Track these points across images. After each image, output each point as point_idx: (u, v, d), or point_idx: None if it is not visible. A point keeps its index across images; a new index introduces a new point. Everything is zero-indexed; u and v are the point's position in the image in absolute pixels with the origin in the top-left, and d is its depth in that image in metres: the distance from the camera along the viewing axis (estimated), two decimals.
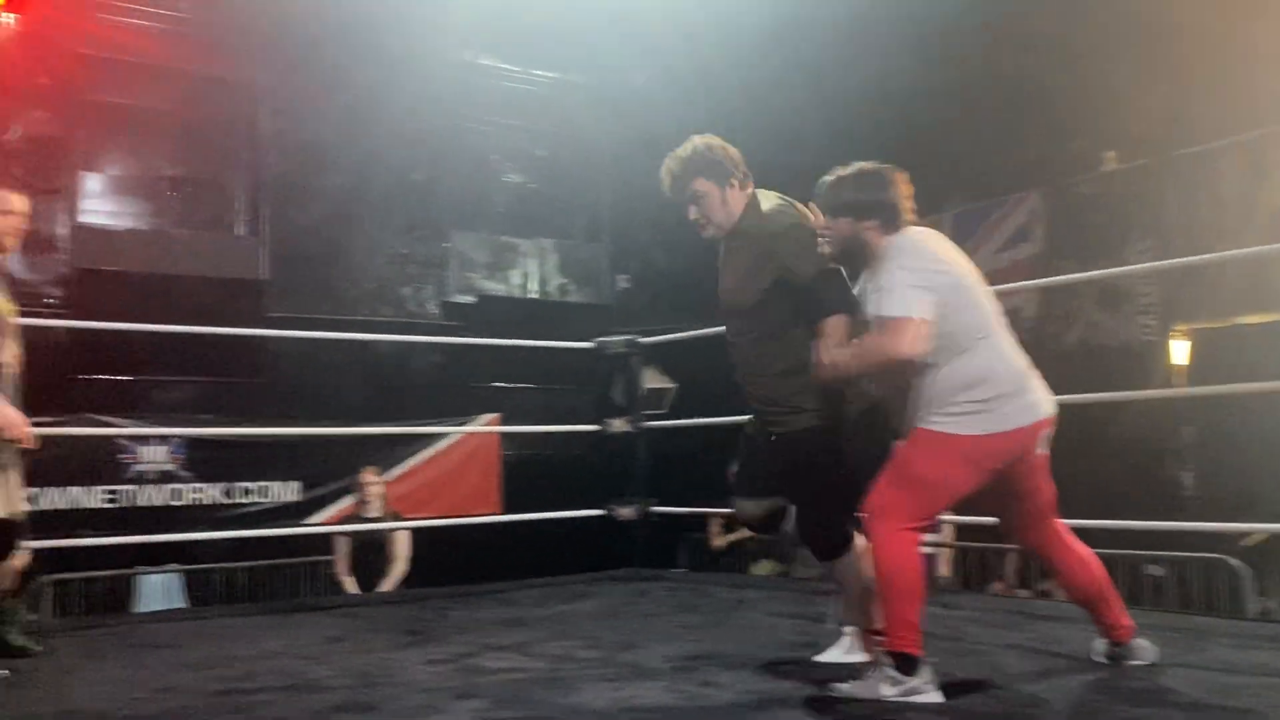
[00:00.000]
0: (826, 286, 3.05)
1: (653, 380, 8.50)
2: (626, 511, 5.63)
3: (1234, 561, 6.12)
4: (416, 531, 6.71)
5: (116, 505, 7.55)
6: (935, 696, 2.70)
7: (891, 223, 2.91)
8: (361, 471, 6.86)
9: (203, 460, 7.81)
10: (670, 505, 5.77)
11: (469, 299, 9.45)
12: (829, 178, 3.00)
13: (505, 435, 9.06)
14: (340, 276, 8.87)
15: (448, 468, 8.76)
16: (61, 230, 7.81)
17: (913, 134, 7.27)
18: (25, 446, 3.72)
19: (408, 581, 6.64)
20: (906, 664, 2.72)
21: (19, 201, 3.77)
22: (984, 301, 2.92)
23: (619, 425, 5.70)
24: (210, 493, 7.88)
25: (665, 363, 9.16)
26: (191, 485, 7.82)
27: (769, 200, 3.24)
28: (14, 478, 3.79)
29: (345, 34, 8.43)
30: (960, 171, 8.53)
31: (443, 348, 8.81)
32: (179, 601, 7.46)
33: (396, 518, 6.94)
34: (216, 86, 8.35)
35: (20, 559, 4.25)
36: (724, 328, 3.31)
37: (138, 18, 8.07)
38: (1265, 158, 7.28)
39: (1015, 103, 8.06)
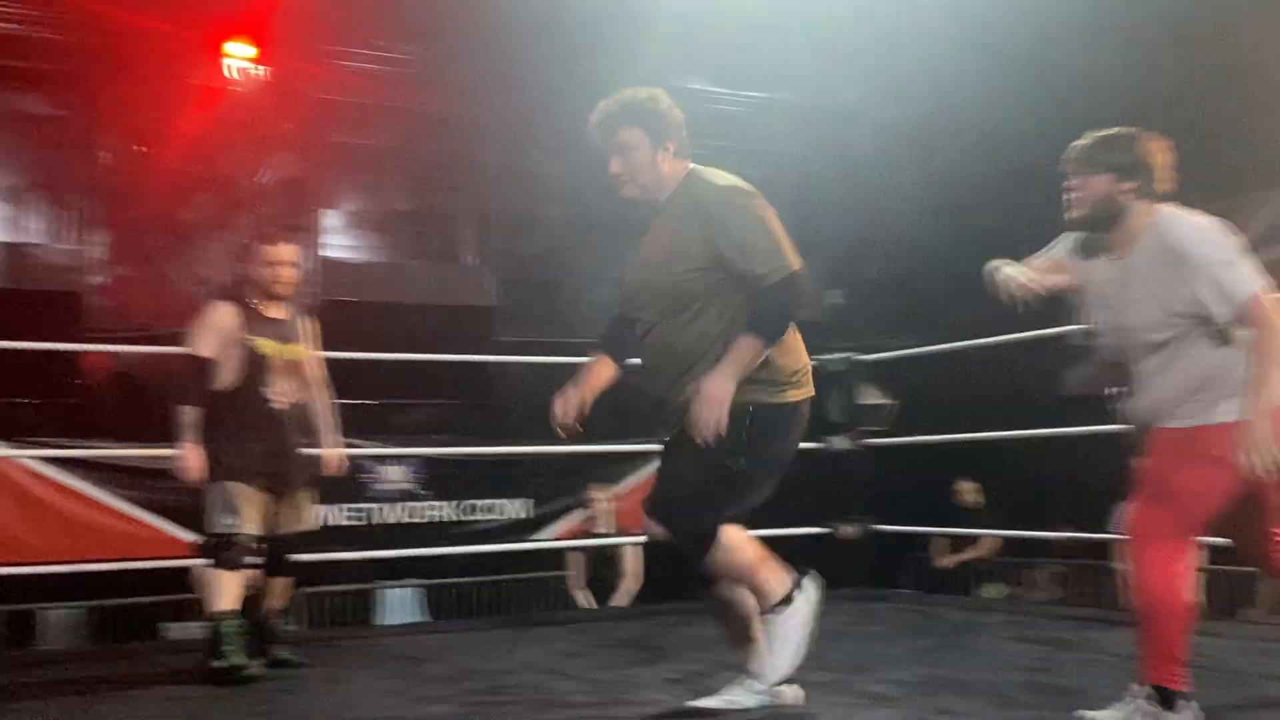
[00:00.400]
0: (785, 289, 2.82)
1: (871, 396, 8.39)
2: (849, 530, 5.59)
3: None
4: (644, 547, 6.84)
5: (360, 523, 8.01)
6: None
7: (1150, 190, 2.72)
8: (591, 488, 7.06)
9: (438, 479, 8.19)
10: (893, 524, 5.69)
11: None
12: (1083, 140, 2.78)
13: None
14: (563, 301, 9.15)
15: None
16: (308, 264, 8.37)
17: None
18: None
19: (640, 597, 6.80)
20: (1167, 699, 2.57)
21: (287, 251, 4.10)
22: None
23: (840, 443, 5.67)
24: (445, 510, 8.26)
25: (884, 379, 9.01)
26: (428, 503, 8.22)
27: (723, 177, 2.97)
28: (308, 498, 4.16)
29: (559, 66, 8.71)
30: (1200, 169, 8.06)
31: None
32: (418, 615, 7.85)
33: (625, 533, 7.11)
34: (444, 124, 8.78)
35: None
36: (636, 309, 2.94)
37: (371, 63, 8.57)
38: None
39: (1259, 94, 7.57)
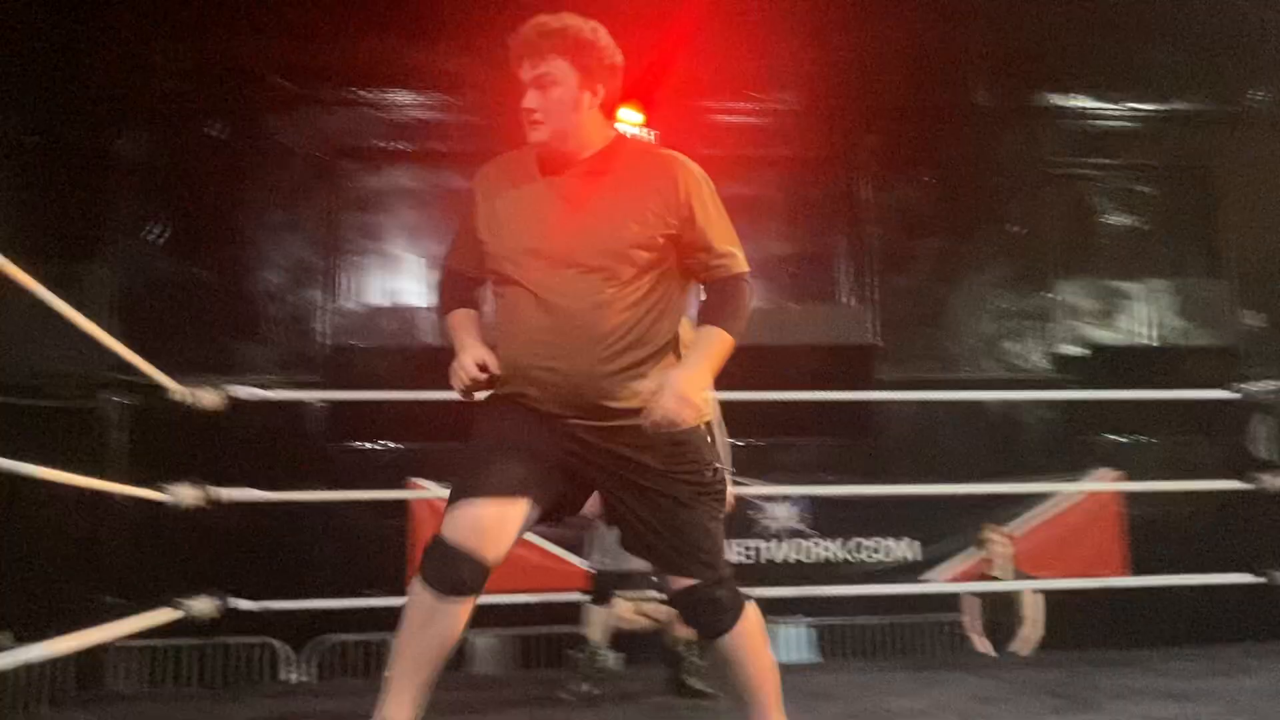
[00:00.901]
0: (748, 285, 2.54)
1: None
2: None
3: None
4: (1046, 593, 6.57)
5: (751, 561, 8.21)
6: None
7: None
8: (986, 529, 6.86)
9: (825, 518, 8.25)
10: None
11: (1077, 349, 9.12)
12: None
13: (1128, 494, 8.54)
14: (945, 336, 8.99)
15: (1067, 526, 8.43)
16: (690, 312, 8.75)
17: None
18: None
19: (1044, 644, 6.50)
20: None
21: None
22: None
23: (1274, 481, 5.16)
24: (833, 549, 8.30)
25: None
26: (816, 542, 8.29)
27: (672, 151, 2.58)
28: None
29: (928, 97, 8.64)
30: None
31: (1053, 402, 8.56)
32: (808, 653, 7.91)
33: (1022, 578, 6.83)
34: (817, 166, 8.92)
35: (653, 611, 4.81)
36: (524, 275, 2.42)
37: (743, 115, 8.89)
38: None
39: None
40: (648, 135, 8.58)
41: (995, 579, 6.68)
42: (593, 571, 4.34)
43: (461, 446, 2.41)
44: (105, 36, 8.07)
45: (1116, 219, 9.42)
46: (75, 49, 7.99)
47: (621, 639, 6.22)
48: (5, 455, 2.50)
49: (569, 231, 2.39)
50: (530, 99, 2.40)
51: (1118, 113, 9.25)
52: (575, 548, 7.11)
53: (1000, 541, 6.75)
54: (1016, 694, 4.07)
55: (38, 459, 2.79)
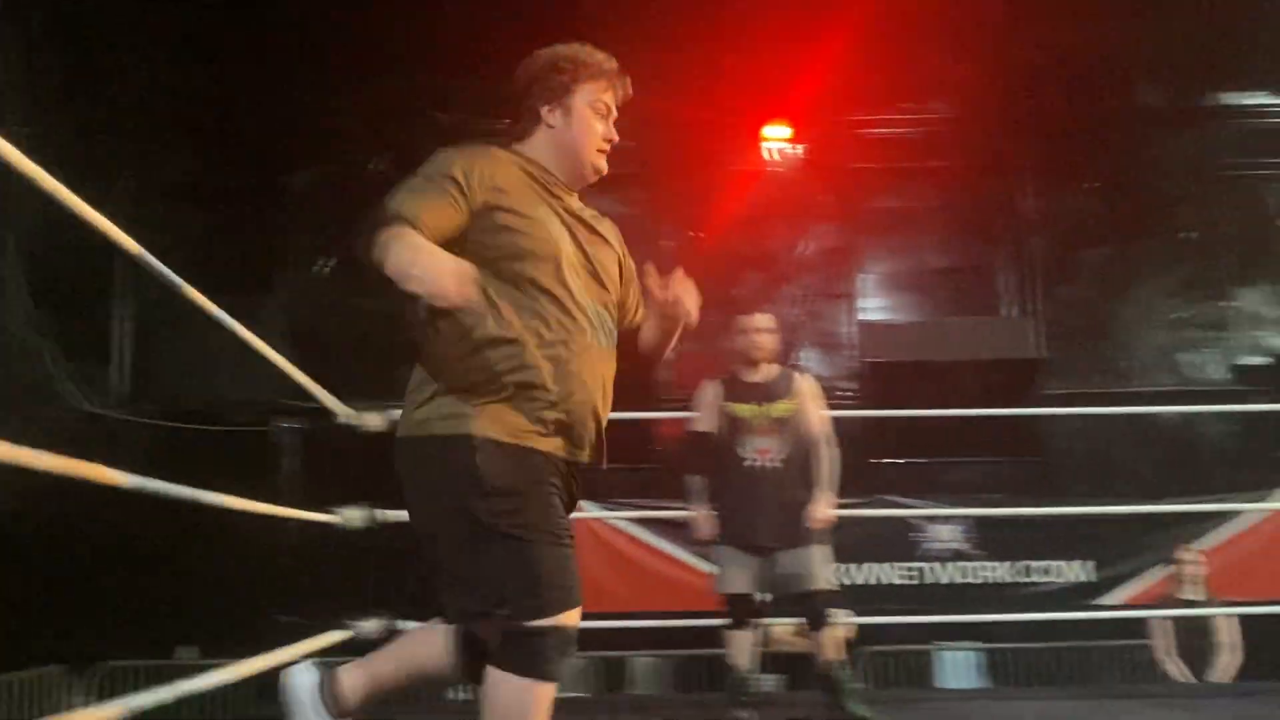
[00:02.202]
0: None
1: None
2: None
3: None
4: (1242, 616, 6.19)
5: (913, 582, 7.99)
6: None
7: None
8: (1179, 549, 6.51)
9: (991, 539, 7.98)
10: None
11: (1259, 358, 8.61)
12: None
13: None
14: (1114, 348, 8.62)
15: (1255, 546, 7.93)
16: (848, 328, 8.61)
17: None
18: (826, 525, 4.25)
19: (1244, 672, 6.12)
20: None
21: (762, 320, 4.48)
22: None
23: None
24: (1000, 571, 8.01)
25: None
26: (981, 563, 8.03)
27: None
28: (821, 553, 4.29)
29: (1090, 101, 8.34)
30: None
31: (1234, 415, 8.09)
32: (976, 678, 7.65)
33: (1215, 602, 6.45)
34: (974, 178, 8.69)
35: (844, 630, 4.74)
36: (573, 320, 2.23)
37: (898, 127, 8.74)
38: None
39: None
40: (795, 150, 8.53)
41: (1187, 601, 6.32)
42: (724, 595, 4.31)
43: (538, 538, 2.12)
44: (280, 80, 8.44)
45: None
46: (251, 93, 8.40)
47: (782, 661, 6.16)
48: (187, 478, 2.61)
49: (605, 274, 2.36)
50: (614, 133, 2.38)
51: None
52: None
53: (1193, 561, 6.36)
54: None
55: (215, 481, 2.91)
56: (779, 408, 4.39)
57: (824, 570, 4.31)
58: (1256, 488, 7.99)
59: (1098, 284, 8.59)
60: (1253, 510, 7.78)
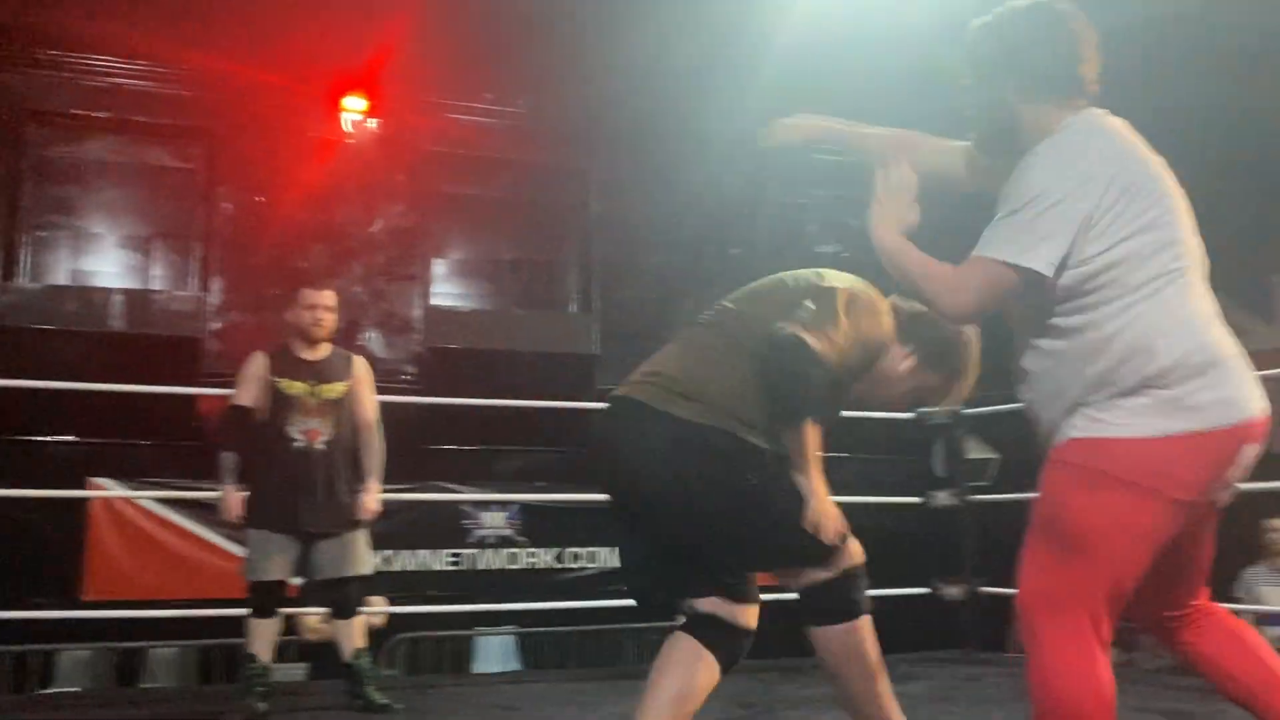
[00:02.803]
0: None
1: (976, 451, 8.18)
2: (953, 591, 5.44)
3: None
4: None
5: (459, 569, 8.07)
6: None
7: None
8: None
9: (538, 526, 8.23)
10: (999, 585, 5.51)
11: None
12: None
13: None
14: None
15: None
16: (416, 312, 8.54)
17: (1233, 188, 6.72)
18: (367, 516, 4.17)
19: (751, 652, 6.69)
20: None
21: (326, 296, 4.28)
22: None
23: (944, 499, 5.53)
24: (544, 558, 8.28)
25: (987, 432, 8.79)
26: (527, 550, 8.25)
27: None
28: (363, 540, 4.22)
29: (663, 116, 8.79)
30: None
31: None
32: (513, 663, 7.85)
33: None
34: (550, 174, 8.92)
35: (373, 618, 4.67)
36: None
37: (481, 115, 8.77)
38: None
39: None
40: (372, 125, 8.33)
41: None
42: (252, 582, 4.11)
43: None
44: None
45: (825, 247, 9.91)
46: None
47: (307, 649, 5.96)
48: None
49: None
50: None
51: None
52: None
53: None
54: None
55: None
56: (333, 389, 4.23)
57: (363, 557, 4.23)
58: None
59: (654, 288, 9.10)
60: None
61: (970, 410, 5.78)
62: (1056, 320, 2.01)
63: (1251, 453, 1.97)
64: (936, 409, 5.62)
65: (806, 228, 9.87)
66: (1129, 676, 5.59)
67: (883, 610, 6.32)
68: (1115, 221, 1.94)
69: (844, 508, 8.02)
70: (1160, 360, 1.91)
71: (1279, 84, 7.20)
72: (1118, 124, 2.08)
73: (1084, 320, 1.98)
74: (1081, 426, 1.97)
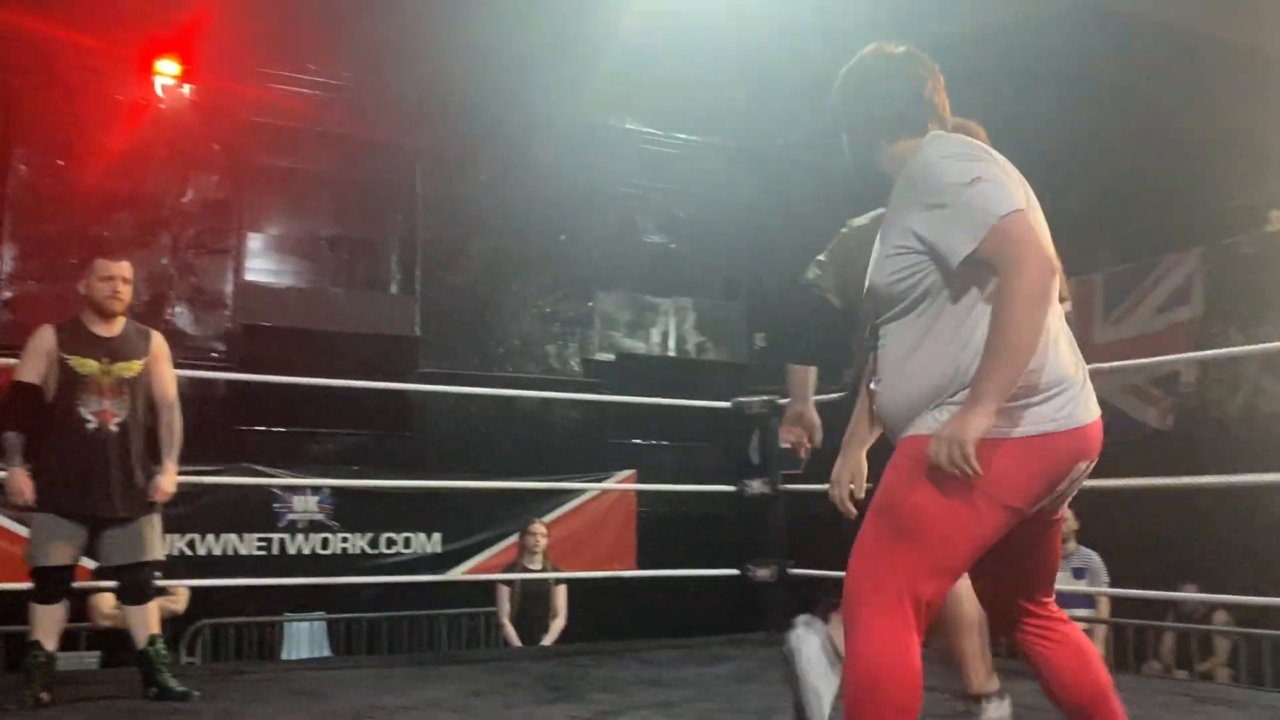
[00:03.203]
0: None
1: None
2: (763, 573, 5.59)
3: None
4: (570, 586, 6.84)
5: (267, 553, 7.83)
6: None
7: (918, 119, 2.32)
8: (529, 522, 7.01)
9: (352, 511, 8.06)
10: (809, 568, 5.69)
11: (609, 357, 9.59)
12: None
13: (642, 493, 9.10)
14: (489, 334, 9.10)
15: (587, 523, 8.84)
16: (227, 287, 8.22)
17: (1059, 191, 7.11)
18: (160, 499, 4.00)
19: (565, 636, 6.74)
20: None
21: (123, 268, 4.06)
22: None
23: (757, 486, 5.68)
24: (357, 543, 8.12)
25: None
26: (340, 535, 8.07)
27: None
28: (157, 523, 4.04)
29: (496, 100, 8.72)
30: (1111, 230, 8.30)
31: (583, 404, 8.93)
32: (324, 650, 7.68)
33: (556, 571, 7.05)
34: (375, 151, 8.72)
35: (172, 603, 4.48)
36: None
37: (304, 86, 8.49)
38: None
39: (1171, 157, 7.82)
40: (185, 91, 7.97)
41: (532, 571, 6.85)
42: (38, 568, 3.88)
43: None
44: None
45: (653, 238, 10.03)
46: None
47: (99, 637, 5.69)
48: None
49: None
50: None
51: (657, 138, 9.83)
52: None
53: (542, 534, 6.92)
54: (510, 688, 4.15)
55: None
56: (128, 367, 4.01)
57: (155, 542, 4.04)
58: (596, 470, 8.92)
59: (478, 272, 9.02)
60: (592, 490, 8.67)
61: (786, 401, 5.93)
62: (913, 319, 2.11)
63: (1084, 466, 2.08)
64: (754, 400, 5.77)
65: (636, 218, 9.96)
66: (930, 656, 5.89)
67: (697, 593, 6.49)
68: None
69: (662, 495, 8.20)
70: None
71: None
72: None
73: (938, 322, 2.08)
74: (929, 425, 2.04)
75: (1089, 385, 2.12)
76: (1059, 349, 2.08)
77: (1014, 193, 2.04)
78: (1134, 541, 6.94)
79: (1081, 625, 2.42)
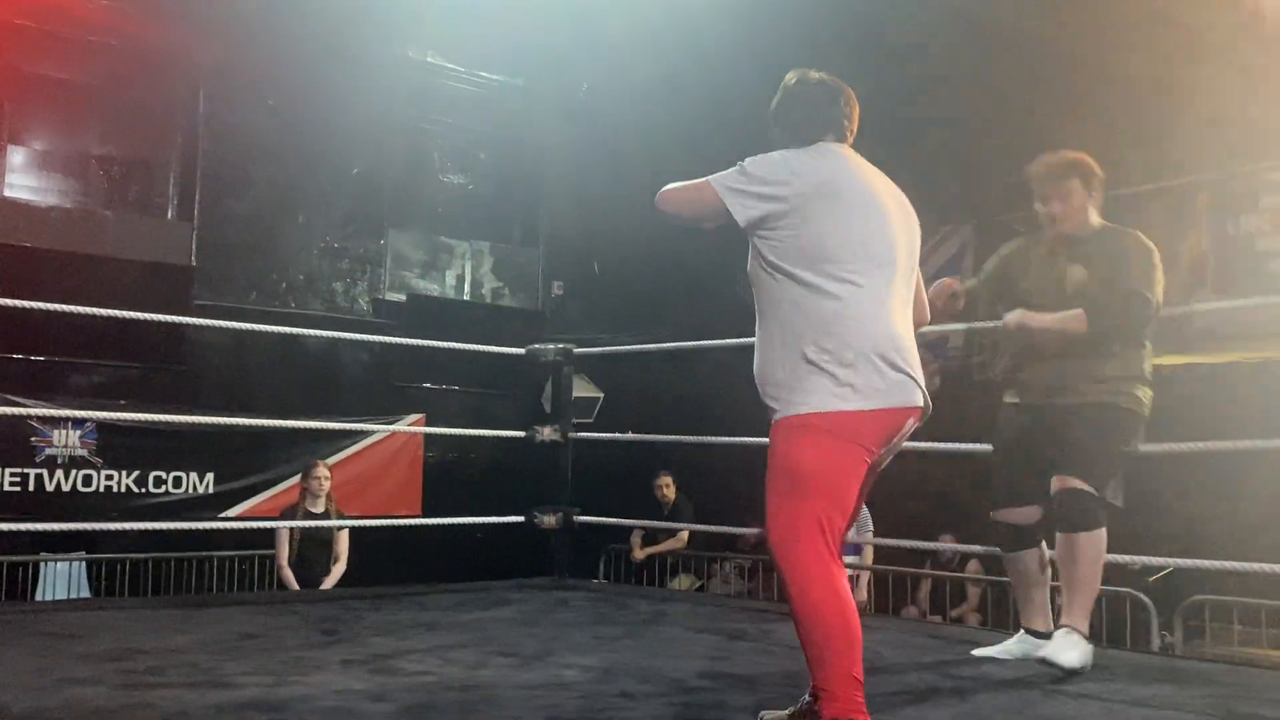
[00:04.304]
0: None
1: (581, 389, 8.49)
2: (549, 519, 5.61)
3: (1140, 596, 6.28)
4: (352, 530, 6.68)
5: (24, 490, 7.35)
6: None
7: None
8: (313, 464, 6.79)
9: (117, 447, 7.63)
10: (593, 515, 5.76)
11: (400, 297, 9.38)
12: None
13: (429, 437, 8.98)
14: (272, 267, 8.74)
15: (372, 466, 8.68)
16: None
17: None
18: None
19: (345, 580, 6.59)
20: None
21: None
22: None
23: (547, 433, 5.68)
24: (122, 480, 7.70)
25: (594, 372, 9.15)
26: (103, 472, 7.64)
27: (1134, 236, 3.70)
28: None
29: (293, 22, 8.32)
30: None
31: (372, 346, 8.72)
32: (84, 590, 7.29)
33: (340, 515, 6.86)
34: (156, 65, 8.18)
35: None
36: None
37: None
38: (1188, 206, 7.50)
39: (948, 134, 8.21)
40: None
41: (312, 514, 6.65)
42: None
43: None
44: None
45: (451, 177, 9.83)
46: None
47: None
48: None
49: (1070, 284, 3.68)
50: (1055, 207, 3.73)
51: (459, 75, 9.62)
52: None
53: (321, 477, 6.72)
54: (284, 630, 4.03)
55: None
56: None
57: None
58: (384, 413, 8.74)
59: (262, 202, 8.64)
60: (374, 432, 8.49)
61: (581, 350, 5.96)
62: (778, 295, 2.52)
63: (910, 427, 2.57)
64: (549, 346, 5.75)
65: (435, 156, 9.75)
66: (705, 601, 6.09)
67: (484, 539, 6.45)
68: (815, 215, 2.49)
69: (451, 441, 8.15)
70: (855, 349, 2.43)
71: None
72: (849, 152, 2.72)
73: (803, 300, 2.48)
74: (797, 402, 2.45)
75: (917, 363, 2.60)
76: (895, 332, 2.56)
77: (749, 205, 2.54)
78: (899, 494, 7.34)
79: (848, 572, 2.62)
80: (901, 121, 8.22)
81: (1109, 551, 3.48)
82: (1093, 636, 3.52)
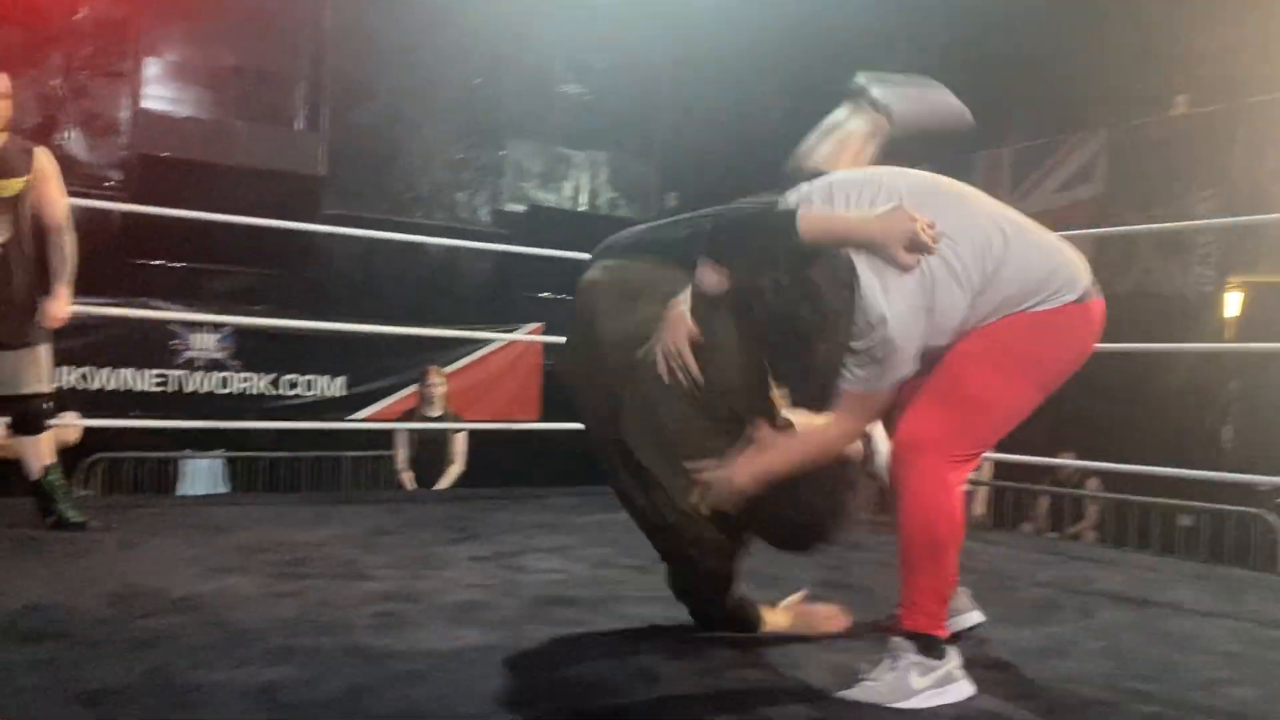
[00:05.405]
0: None
1: None
2: None
3: (1270, 516, 6.12)
4: (471, 433, 6.87)
5: (165, 390, 7.72)
6: (968, 688, 2.22)
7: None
8: (427, 370, 6.97)
9: (252, 350, 7.95)
10: None
11: (520, 208, 9.48)
12: None
13: (549, 347, 9.11)
14: (397, 178, 8.90)
15: (493, 372, 8.87)
16: (124, 114, 7.87)
17: (971, 65, 7.14)
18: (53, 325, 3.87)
19: (468, 483, 6.79)
20: (932, 647, 2.20)
21: (4, 82, 3.83)
22: None
23: None
24: (258, 383, 8.03)
25: None
26: (240, 374, 7.97)
27: None
28: (46, 354, 3.93)
29: None
30: (1021, 106, 8.38)
31: (493, 255, 8.86)
32: (222, 487, 7.66)
33: (456, 419, 7.05)
34: None
35: (64, 434, 4.38)
36: None
37: None
38: None
39: (1082, 37, 7.89)
40: None
41: (429, 418, 6.86)
42: None
43: None
44: None
45: (571, 88, 9.81)
46: None
47: None
48: None
49: None
50: None
51: None
52: None
53: (438, 384, 6.90)
54: (418, 526, 4.21)
55: None
56: (9, 185, 3.82)
57: (43, 372, 3.93)
58: (503, 322, 8.90)
59: (390, 113, 8.76)
60: (498, 341, 8.66)
61: None
62: None
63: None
64: None
65: (554, 67, 9.73)
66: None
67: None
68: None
69: None
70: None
71: None
72: None
73: None
74: None
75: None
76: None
77: None
78: None
79: (965, 487, 2.53)
80: (1022, 17, 7.93)
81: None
82: (1220, 556, 3.46)
